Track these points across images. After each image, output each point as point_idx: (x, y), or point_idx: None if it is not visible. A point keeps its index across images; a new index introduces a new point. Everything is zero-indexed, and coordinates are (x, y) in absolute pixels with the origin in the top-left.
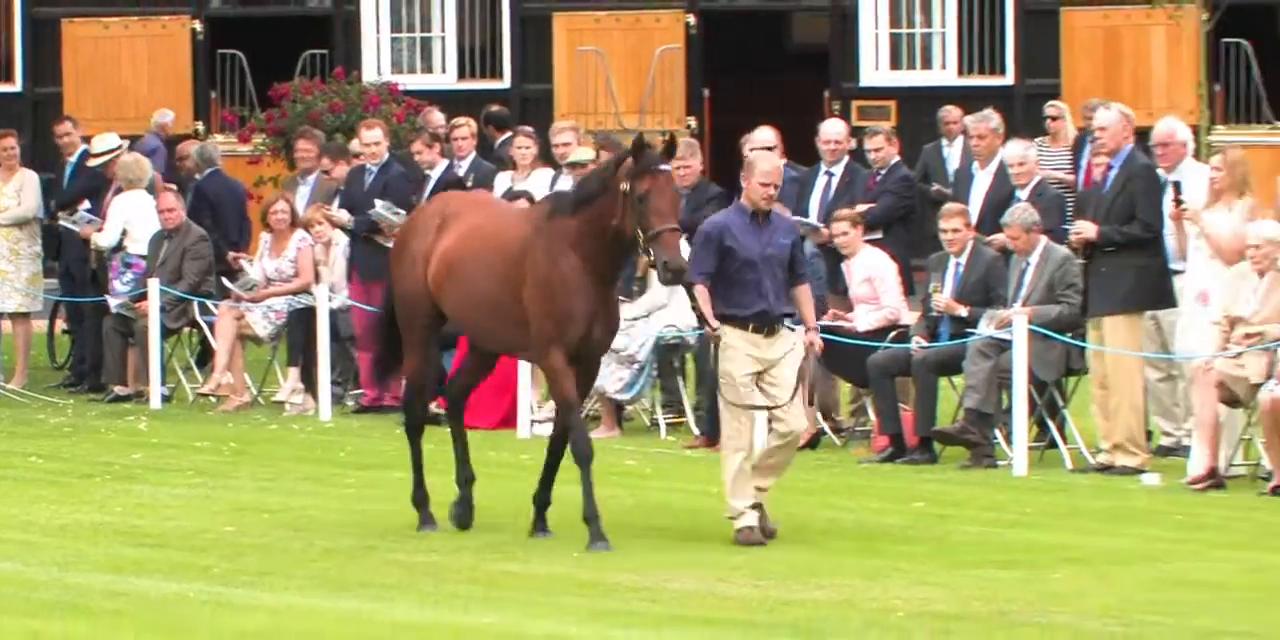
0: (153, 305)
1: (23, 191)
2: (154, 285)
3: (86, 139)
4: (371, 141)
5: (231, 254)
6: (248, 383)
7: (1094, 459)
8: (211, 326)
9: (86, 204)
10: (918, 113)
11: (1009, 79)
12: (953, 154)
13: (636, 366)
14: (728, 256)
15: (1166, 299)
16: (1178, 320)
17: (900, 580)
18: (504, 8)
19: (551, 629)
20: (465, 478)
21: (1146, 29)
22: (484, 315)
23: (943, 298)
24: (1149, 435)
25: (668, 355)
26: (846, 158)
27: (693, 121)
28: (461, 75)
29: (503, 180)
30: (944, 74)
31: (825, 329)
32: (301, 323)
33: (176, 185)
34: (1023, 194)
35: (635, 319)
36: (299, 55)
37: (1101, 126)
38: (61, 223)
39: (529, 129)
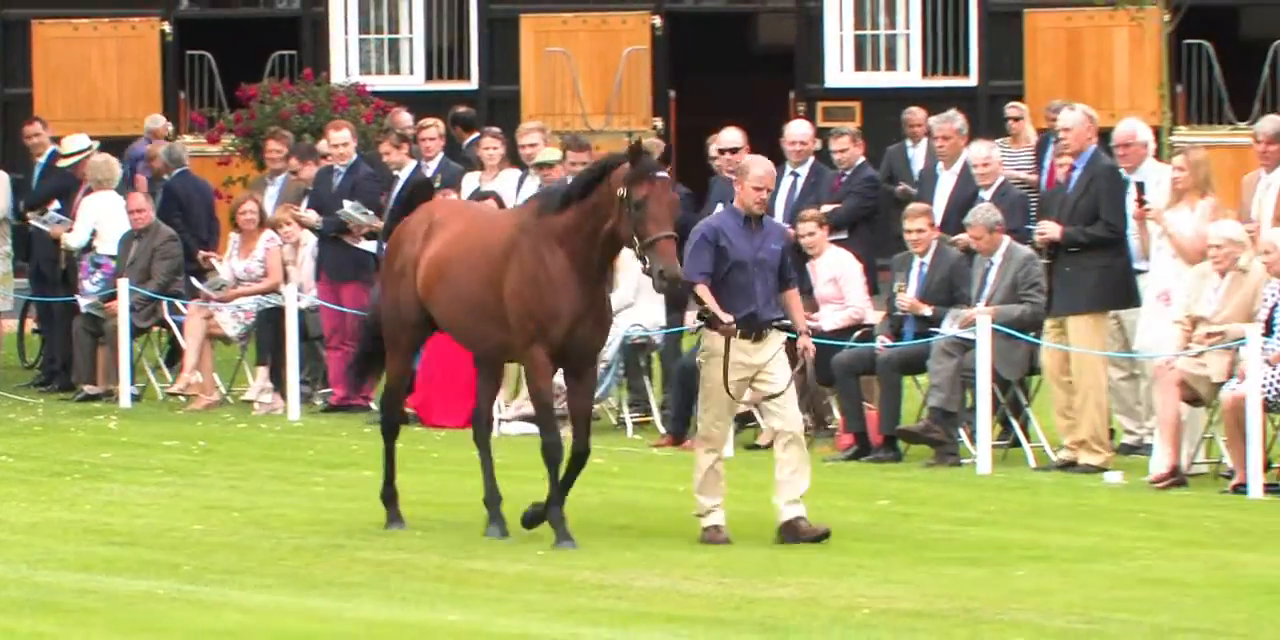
0: (122, 305)
1: None
2: (123, 285)
3: (56, 140)
4: (339, 142)
5: (202, 253)
6: (217, 382)
7: (1055, 456)
8: (181, 326)
9: (56, 204)
10: (882, 113)
11: (973, 80)
12: (917, 155)
13: (603, 365)
14: (720, 258)
15: (1131, 299)
16: (1138, 319)
17: (865, 578)
18: (472, 9)
19: (518, 626)
20: (496, 498)
21: (1109, 30)
22: (472, 318)
23: (907, 297)
24: (1111, 433)
25: (634, 354)
26: (812, 158)
27: (659, 122)
28: (429, 76)
29: (470, 181)
30: (908, 75)
31: (787, 328)
32: (270, 322)
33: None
34: (986, 194)
35: None
36: (268, 56)
37: (1065, 127)
38: (32, 223)
39: (496, 130)
